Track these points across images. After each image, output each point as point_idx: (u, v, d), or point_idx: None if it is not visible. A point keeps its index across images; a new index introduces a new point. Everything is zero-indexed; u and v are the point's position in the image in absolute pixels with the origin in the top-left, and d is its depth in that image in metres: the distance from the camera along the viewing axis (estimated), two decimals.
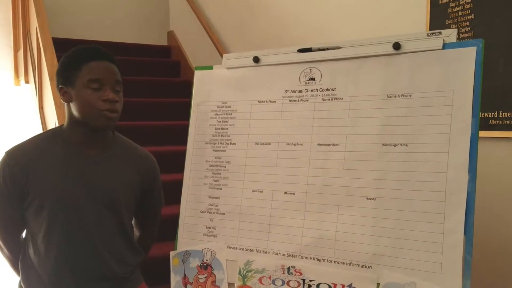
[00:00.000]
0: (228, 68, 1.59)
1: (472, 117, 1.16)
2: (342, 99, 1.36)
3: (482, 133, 1.55)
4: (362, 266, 1.26)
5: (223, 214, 1.51)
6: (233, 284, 1.45)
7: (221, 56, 1.66)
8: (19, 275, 1.37)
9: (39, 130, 2.87)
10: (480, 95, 1.16)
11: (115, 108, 1.27)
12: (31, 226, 1.29)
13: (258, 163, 1.47)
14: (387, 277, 1.22)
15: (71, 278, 1.28)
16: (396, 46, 1.29)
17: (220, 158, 1.55)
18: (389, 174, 1.26)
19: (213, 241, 1.51)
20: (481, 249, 1.54)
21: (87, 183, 1.29)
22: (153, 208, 1.51)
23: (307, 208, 1.37)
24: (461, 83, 1.19)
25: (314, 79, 1.42)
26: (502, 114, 1.62)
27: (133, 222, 1.47)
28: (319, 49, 1.42)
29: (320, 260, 1.32)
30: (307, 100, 1.42)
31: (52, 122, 2.55)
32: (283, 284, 1.37)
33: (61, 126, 1.35)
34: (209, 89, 1.61)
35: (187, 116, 1.65)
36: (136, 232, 1.49)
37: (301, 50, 1.45)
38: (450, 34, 1.23)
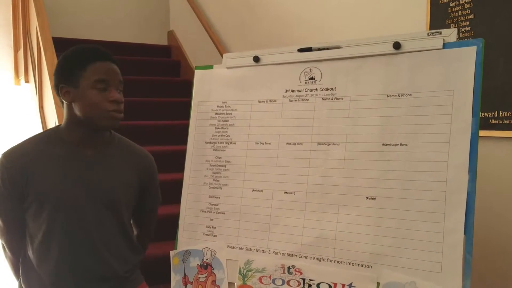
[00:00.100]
0: (228, 68, 1.59)
1: (472, 117, 1.16)
2: (342, 98, 1.36)
3: (482, 133, 1.55)
4: (362, 265, 1.26)
5: (223, 213, 1.51)
6: (233, 283, 1.45)
7: (221, 55, 1.65)
8: (17, 279, 1.37)
9: (39, 130, 2.87)
10: (480, 94, 1.16)
11: (121, 109, 1.28)
12: (30, 228, 1.29)
13: (258, 162, 1.47)
14: (387, 277, 1.22)
15: (71, 278, 1.28)
16: (396, 45, 1.29)
17: (220, 157, 1.55)
18: (389, 174, 1.26)
19: (213, 241, 1.51)
20: (481, 248, 1.54)
21: (86, 183, 1.29)
22: (151, 207, 1.51)
23: (307, 208, 1.37)
24: (461, 82, 1.19)
25: (314, 79, 1.42)
26: (502, 113, 1.62)
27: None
28: (319, 49, 1.42)
29: (320, 260, 1.32)
30: (307, 100, 1.42)
31: (52, 122, 2.55)
32: (283, 284, 1.37)
33: (58, 127, 1.35)
34: (209, 88, 1.61)
35: (187, 116, 1.65)
36: (134, 231, 1.49)
37: (301, 50, 1.45)
38: (450, 34, 1.23)
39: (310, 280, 1.33)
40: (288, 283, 1.36)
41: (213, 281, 1.48)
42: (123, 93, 1.31)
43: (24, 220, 1.29)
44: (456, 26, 1.76)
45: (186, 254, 1.55)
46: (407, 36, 1.28)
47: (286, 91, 1.46)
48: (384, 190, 1.26)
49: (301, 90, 1.43)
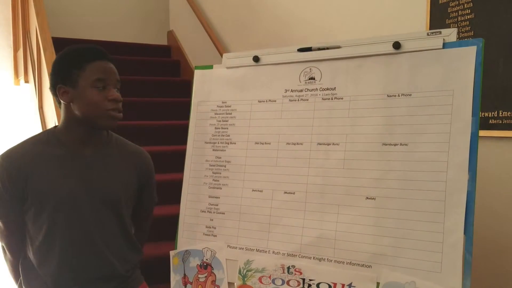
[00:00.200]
0: (228, 68, 1.59)
1: (472, 117, 1.16)
2: (342, 98, 1.36)
3: (482, 133, 1.55)
4: (362, 265, 1.26)
5: (223, 213, 1.51)
6: (233, 283, 1.45)
7: (221, 55, 1.65)
8: (16, 281, 1.36)
9: (39, 130, 2.87)
10: (480, 94, 1.16)
11: (120, 108, 1.28)
12: (30, 229, 1.28)
13: (258, 162, 1.47)
14: (387, 277, 1.22)
15: (73, 278, 1.28)
16: (396, 45, 1.28)
17: (220, 157, 1.55)
18: (389, 174, 1.26)
19: (213, 241, 1.51)
20: (481, 248, 1.54)
21: (86, 183, 1.28)
22: (148, 205, 1.51)
23: (307, 208, 1.37)
24: (461, 82, 1.19)
25: (314, 79, 1.42)
26: (502, 113, 1.62)
27: None
28: (319, 49, 1.42)
29: (320, 260, 1.32)
30: (307, 100, 1.42)
31: (52, 122, 2.55)
32: (283, 284, 1.37)
33: (55, 127, 1.34)
34: (209, 88, 1.61)
35: (187, 116, 1.65)
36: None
37: (301, 50, 1.45)
38: (450, 34, 1.23)
39: (310, 280, 1.33)
40: (288, 283, 1.36)
41: (213, 281, 1.48)
42: (121, 93, 1.31)
43: (23, 222, 1.29)
44: (456, 26, 1.76)
45: (186, 254, 1.54)
46: (407, 36, 1.28)
47: (286, 91, 1.46)
48: (384, 190, 1.26)
49: (301, 90, 1.43)
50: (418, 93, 1.25)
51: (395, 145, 1.26)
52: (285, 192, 1.41)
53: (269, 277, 1.39)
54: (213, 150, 1.56)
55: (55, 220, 1.25)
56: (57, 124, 1.35)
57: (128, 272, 1.39)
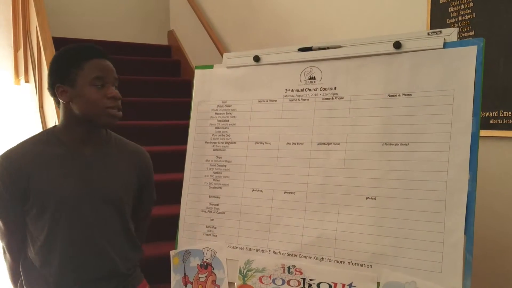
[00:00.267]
0: (228, 67, 1.59)
1: (472, 116, 1.16)
2: (342, 98, 1.36)
3: (482, 133, 1.55)
4: (363, 265, 1.26)
5: (224, 213, 1.51)
6: (233, 283, 1.45)
7: (222, 55, 1.65)
8: (15, 283, 1.35)
9: (39, 130, 2.87)
10: (481, 94, 1.16)
11: (120, 105, 1.28)
12: (31, 229, 1.28)
13: (258, 162, 1.47)
14: (387, 276, 1.22)
15: (76, 278, 1.28)
16: (397, 45, 1.28)
17: (221, 157, 1.55)
18: (389, 173, 1.26)
19: (213, 241, 1.51)
20: (481, 248, 1.54)
21: (87, 183, 1.28)
22: (147, 203, 1.51)
23: (307, 208, 1.37)
24: (462, 82, 1.18)
25: (314, 78, 1.42)
26: (503, 113, 1.62)
27: None
28: (319, 48, 1.42)
29: (320, 259, 1.32)
30: (308, 99, 1.42)
31: (52, 122, 2.55)
32: (283, 283, 1.37)
33: (54, 127, 1.34)
34: (209, 88, 1.61)
35: (187, 116, 1.65)
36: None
37: (301, 49, 1.45)
38: (451, 33, 1.22)
39: (310, 280, 1.33)
40: (288, 283, 1.36)
41: (213, 281, 1.48)
42: (122, 93, 1.31)
43: (24, 222, 1.29)
44: (457, 25, 1.75)
45: (186, 254, 1.54)
46: (408, 35, 1.28)
47: (287, 90, 1.46)
48: (384, 190, 1.26)
49: (302, 90, 1.43)
50: (419, 92, 1.24)
51: (395, 145, 1.26)
52: (286, 192, 1.41)
53: (270, 277, 1.39)
54: (214, 150, 1.56)
55: (56, 220, 1.25)
56: (57, 123, 1.35)
57: (129, 270, 1.39)
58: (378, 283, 1.23)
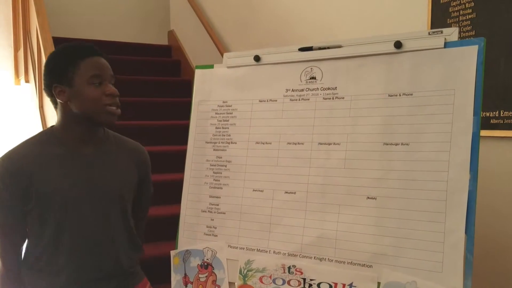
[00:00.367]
0: (228, 67, 1.59)
1: (473, 116, 1.16)
2: (343, 98, 1.36)
3: (483, 132, 1.55)
4: (363, 265, 1.26)
5: (224, 213, 1.51)
6: (234, 283, 1.44)
7: (222, 55, 1.65)
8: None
9: (40, 130, 2.87)
10: (481, 94, 1.16)
11: (118, 103, 1.28)
12: (33, 231, 1.28)
13: (258, 162, 1.47)
14: (388, 276, 1.22)
15: (80, 277, 1.28)
16: (398, 44, 1.28)
17: (221, 157, 1.54)
18: (390, 173, 1.25)
19: (213, 241, 1.51)
20: (482, 248, 1.54)
21: (88, 182, 1.28)
22: (145, 201, 1.52)
23: (308, 208, 1.36)
24: (463, 82, 1.18)
25: (315, 78, 1.42)
26: (504, 113, 1.62)
27: None
28: (320, 48, 1.42)
29: (321, 259, 1.32)
30: (308, 99, 1.41)
31: (53, 121, 2.54)
32: (283, 283, 1.36)
33: (52, 127, 1.33)
34: (209, 88, 1.61)
35: (187, 116, 1.65)
36: None
37: (302, 49, 1.45)
38: (452, 33, 1.22)
39: (311, 280, 1.32)
40: (288, 283, 1.36)
41: (214, 281, 1.48)
42: (122, 93, 1.31)
43: (24, 223, 1.28)
44: (458, 25, 1.75)
45: (187, 254, 1.54)
46: (408, 35, 1.28)
47: (287, 90, 1.46)
48: (385, 190, 1.26)
49: (302, 90, 1.43)
50: (419, 92, 1.24)
51: (396, 144, 1.26)
52: (286, 192, 1.41)
53: (270, 277, 1.39)
54: (214, 150, 1.56)
55: (59, 220, 1.25)
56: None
57: (132, 268, 1.40)
58: (379, 283, 1.23)
